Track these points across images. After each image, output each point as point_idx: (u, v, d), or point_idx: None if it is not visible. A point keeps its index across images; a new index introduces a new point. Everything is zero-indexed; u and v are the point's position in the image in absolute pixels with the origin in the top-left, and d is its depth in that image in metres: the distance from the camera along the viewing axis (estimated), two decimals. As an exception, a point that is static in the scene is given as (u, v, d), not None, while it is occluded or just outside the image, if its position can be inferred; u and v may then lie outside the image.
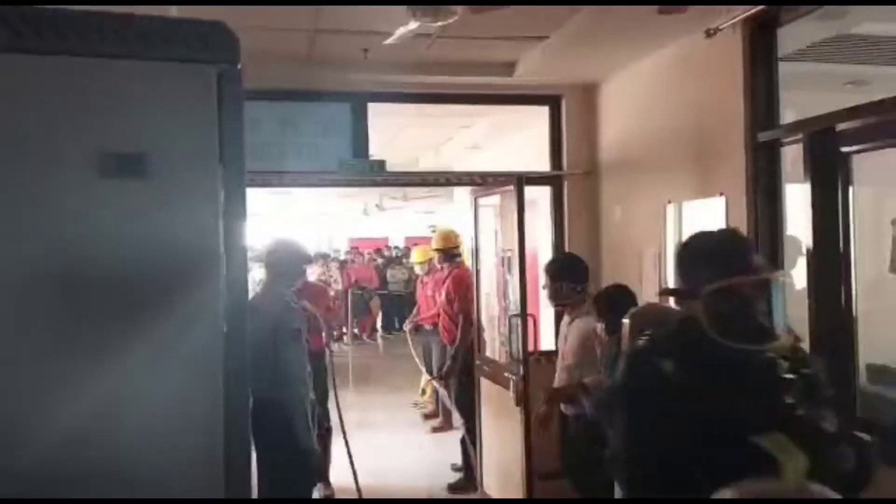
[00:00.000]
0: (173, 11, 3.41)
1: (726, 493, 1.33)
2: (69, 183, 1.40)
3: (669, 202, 4.38)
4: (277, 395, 3.53)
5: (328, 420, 5.49)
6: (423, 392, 8.04)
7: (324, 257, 13.82)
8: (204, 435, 1.45)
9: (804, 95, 3.94)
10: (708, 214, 4.00)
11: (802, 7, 3.42)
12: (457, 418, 6.16)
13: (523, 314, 4.50)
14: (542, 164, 5.55)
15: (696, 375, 1.82)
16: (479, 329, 5.50)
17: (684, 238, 2.05)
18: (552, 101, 5.50)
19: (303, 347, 3.81)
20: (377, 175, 5.06)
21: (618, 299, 3.64)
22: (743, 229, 3.70)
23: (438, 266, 6.55)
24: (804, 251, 3.41)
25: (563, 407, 3.97)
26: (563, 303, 4.11)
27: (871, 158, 3.22)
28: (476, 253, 5.53)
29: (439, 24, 3.34)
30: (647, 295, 4.42)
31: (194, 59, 1.46)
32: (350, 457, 4.34)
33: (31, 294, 1.38)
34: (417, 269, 8.16)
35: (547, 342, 5.21)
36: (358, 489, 4.43)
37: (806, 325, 3.34)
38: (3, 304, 1.36)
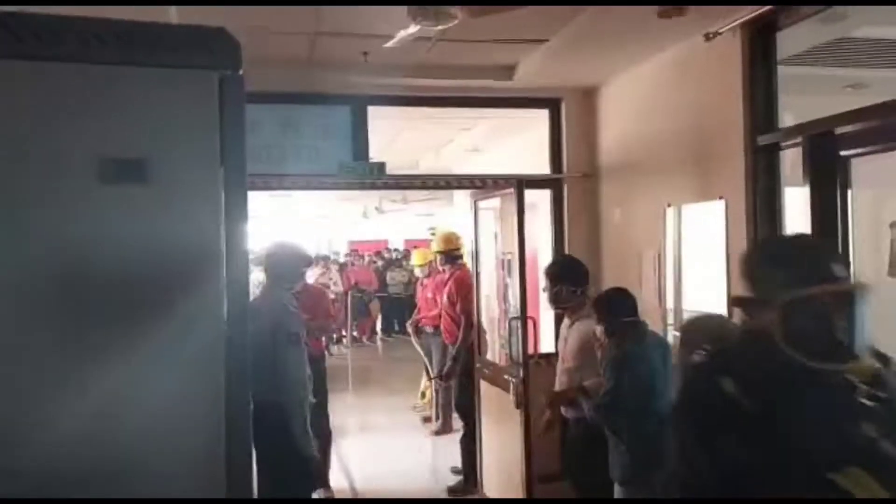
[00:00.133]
0: (172, 12, 3.43)
1: None
2: (72, 188, 1.41)
3: (669, 205, 4.39)
4: (276, 398, 3.51)
5: (328, 424, 5.50)
6: (423, 395, 8.04)
7: (324, 260, 13.83)
8: (205, 435, 1.46)
9: (803, 99, 3.95)
10: (707, 217, 4.01)
11: (802, 11, 3.43)
12: (455, 418, 6.17)
13: (523, 317, 4.50)
14: (542, 167, 5.56)
15: (762, 396, 1.62)
16: (480, 331, 5.50)
17: (758, 242, 1.89)
18: (552, 105, 5.51)
19: (301, 351, 3.79)
20: (377, 178, 5.07)
21: (617, 302, 3.65)
22: (742, 232, 3.72)
23: (440, 268, 6.54)
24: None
25: (563, 410, 3.98)
26: (563, 306, 4.11)
27: (870, 162, 3.23)
28: (476, 256, 5.54)
29: (440, 27, 3.35)
30: (646, 298, 4.43)
31: (196, 66, 1.47)
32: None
33: (33, 297, 1.39)
34: (417, 272, 8.16)
35: (547, 345, 5.21)
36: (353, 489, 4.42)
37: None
38: (6, 307, 1.37)
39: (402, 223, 19.97)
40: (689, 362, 1.94)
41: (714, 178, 3.98)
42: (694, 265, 4.22)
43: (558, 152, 5.50)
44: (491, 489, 5.21)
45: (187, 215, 1.47)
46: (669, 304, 4.40)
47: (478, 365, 5.40)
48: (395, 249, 18.96)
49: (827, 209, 3.26)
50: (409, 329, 7.63)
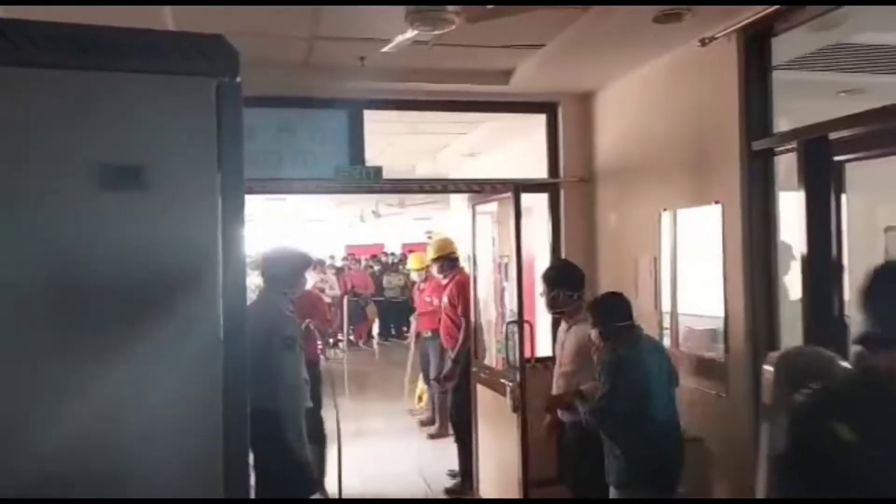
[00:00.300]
0: (168, 14, 3.44)
1: None
2: (70, 193, 1.42)
3: (665, 209, 4.40)
4: (271, 403, 3.48)
5: (324, 428, 5.49)
6: (420, 399, 8.04)
7: (320, 264, 13.82)
8: (203, 438, 1.48)
9: (798, 104, 3.97)
10: (703, 222, 4.02)
11: (797, 17, 3.45)
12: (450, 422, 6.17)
13: (520, 321, 4.51)
14: (539, 171, 5.57)
15: (886, 447, 1.45)
16: (478, 336, 5.51)
17: (877, 271, 1.63)
18: (549, 109, 5.53)
19: (296, 355, 3.75)
20: (374, 182, 5.07)
21: (611, 306, 3.67)
22: (737, 236, 3.74)
23: (441, 276, 6.51)
24: (798, 258, 3.43)
25: (559, 414, 3.99)
26: (560, 310, 4.13)
27: (864, 167, 3.24)
28: (473, 259, 5.55)
29: (437, 32, 3.36)
30: (642, 302, 4.44)
31: (194, 73, 1.48)
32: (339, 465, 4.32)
33: (32, 301, 1.40)
34: (414, 276, 8.16)
35: (544, 349, 5.22)
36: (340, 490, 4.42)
37: (800, 332, 3.37)
38: (6, 311, 1.38)
39: (398, 227, 19.97)
40: (795, 403, 1.66)
41: (709, 183, 3.99)
42: (690, 269, 4.24)
43: (555, 157, 5.52)
44: (488, 493, 5.21)
45: (185, 220, 1.48)
46: (665, 308, 4.41)
47: (474, 369, 5.40)
48: (392, 253, 18.96)
49: (821, 214, 3.28)
50: (412, 335, 7.62)
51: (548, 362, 4.72)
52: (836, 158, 3.24)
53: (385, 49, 3.68)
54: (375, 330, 15.27)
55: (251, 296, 4.05)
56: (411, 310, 8.74)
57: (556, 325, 4.60)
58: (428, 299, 7.15)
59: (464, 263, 6.26)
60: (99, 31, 1.44)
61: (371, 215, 17.02)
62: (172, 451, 1.45)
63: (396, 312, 14.72)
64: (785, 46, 3.69)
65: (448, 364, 6.04)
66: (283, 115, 4.98)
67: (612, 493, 3.54)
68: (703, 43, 3.85)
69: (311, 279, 5.68)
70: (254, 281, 4.72)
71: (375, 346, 14.61)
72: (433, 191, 6.41)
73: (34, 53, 1.39)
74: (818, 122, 3.34)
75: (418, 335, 7.51)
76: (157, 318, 1.44)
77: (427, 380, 7.43)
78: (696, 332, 4.18)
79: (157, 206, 1.46)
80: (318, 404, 5.21)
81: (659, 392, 3.46)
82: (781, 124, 3.71)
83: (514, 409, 4.49)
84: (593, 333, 3.62)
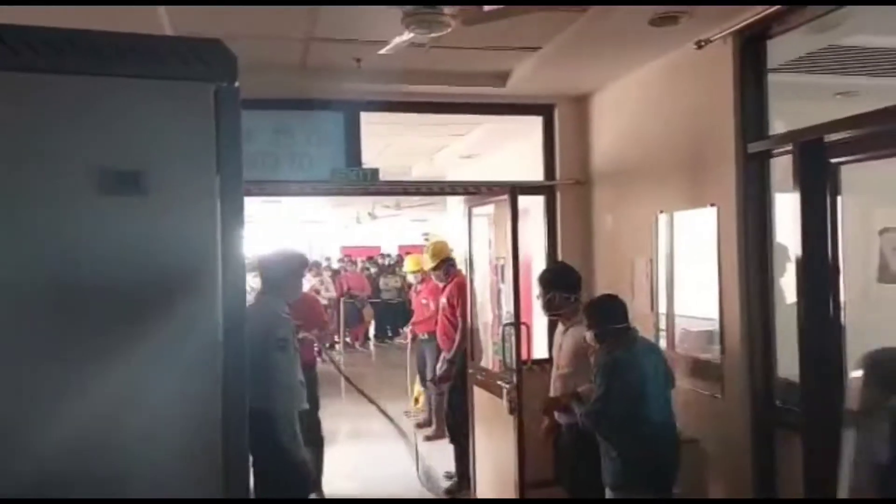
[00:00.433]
0: (164, 14, 3.43)
1: None
2: (70, 198, 1.43)
3: (661, 212, 4.41)
4: (264, 405, 3.46)
5: (321, 430, 5.49)
6: (416, 401, 8.03)
7: (316, 266, 13.81)
8: (202, 439, 1.49)
9: (794, 105, 3.98)
10: (699, 224, 4.03)
11: (793, 20, 3.46)
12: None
13: (517, 323, 4.51)
14: (536, 173, 5.58)
15: None
16: (474, 338, 5.51)
17: None
18: (545, 111, 5.54)
19: (290, 357, 3.73)
20: (370, 184, 5.07)
21: (607, 309, 3.67)
22: (733, 238, 3.75)
23: (439, 283, 6.50)
24: (793, 260, 3.44)
25: (556, 416, 3.99)
26: (557, 312, 4.13)
27: (860, 169, 3.26)
28: (470, 262, 5.55)
29: (433, 35, 3.36)
30: (638, 304, 4.45)
31: (192, 77, 1.49)
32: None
33: (32, 304, 1.41)
34: (410, 278, 8.16)
35: (540, 351, 5.22)
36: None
37: (795, 333, 3.38)
38: (6, 312, 1.39)
39: (395, 229, 19.98)
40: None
41: (705, 185, 4.01)
42: (686, 271, 4.25)
43: (551, 159, 5.53)
44: (484, 494, 5.21)
45: (184, 224, 1.49)
46: (661, 309, 4.42)
47: (471, 371, 5.40)
48: (388, 255, 18.96)
49: (817, 216, 3.29)
50: (408, 336, 7.60)
51: (544, 364, 4.73)
52: (832, 161, 3.25)
53: (382, 51, 3.68)
54: (372, 332, 15.28)
55: (249, 298, 4.04)
56: (408, 311, 8.73)
57: (552, 327, 4.61)
58: (424, 302, 7.15)
59: (460, 266, 6.26)
60: (98, 36, 1.45)
61: (367, 217, 17.03)
62: (172, 452, 1.46)
63: (393, 314, 14.73)
64: (780, 49, 3.70)
65: (443, 365, 6.05)
66: (280, 118, 4.98)
67: (609, 495, 3.54)
68: (699, 45, 3.86)
69: (308, 282, 5.66)
70: (251, 283, 4.70)
71: (372, 347, 14.62)
72: (430, 193, 6.41)
73: (33, 58, 1.40)
74: (814, 125, 3.35)
75: (415, 337, 7.50)
76: (156, 320, 1.44)
77: (424, 382, 7.43)
78: (691, 333, 4.18)
79: (157, 209, 1.47)
80: (314, 406, 5.21)
81: (655, 394, 3.47)
82: (777, 126, 3.72)
83: (511, 411, 4.50)
84: (589, 335, 3.63)
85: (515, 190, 4.66)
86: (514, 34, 4.05)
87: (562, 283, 4.08)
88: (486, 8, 3.26)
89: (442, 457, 6.22)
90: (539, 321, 5.35)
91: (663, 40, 3.96)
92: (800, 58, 3.92)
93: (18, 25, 1.40)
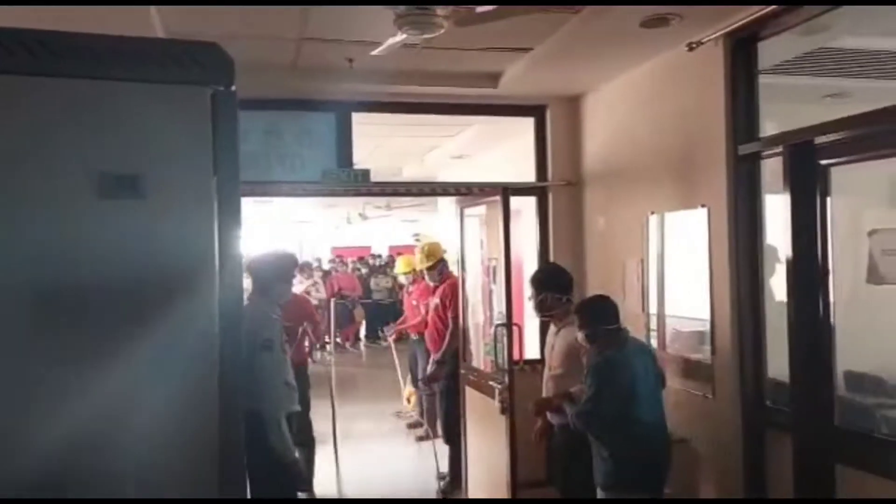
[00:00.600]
0: (154, 14, 3.42)
1: None
2: (67, 201, 1.43)
3: (652, 213, 4.43)
4: (251, 405, 3.44)
5: (312, 431, 5.48)
6: (408, 401, 8.03)
7: (307, 266, 13.78)
8: (199, 439, 1.50)
9: (784, 108, 4.01)
10: (690, 225, 4.05)
11: (783, 22, 3.48)
12: (439, 425, 6.17)
13: (509, 323, 4.52)
14: (527, 174, 5.59)
15: None
16: (465, 338, 5.51)
17: None
18: (537, 112, 5.55)
19: (275, 357, 3.71)
20: (361, 185, 5.07)
21: (598, 309, 3.68)
22: (724, 239, 3.77)
23: (432, 283, 6.50)
24: (783, 261, 3.47)
25: (548, 416, 4.00)
26: (549, 313, 4.14)
27: (849, 171, 3.28)
28: (462, 262, 5.55)
29: (426, 36, 3.36)
30: (630, 305, 4.47)
31: (189, 81, 1.49)
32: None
33: (31, 307, 1.41)
34: (402, 279, 8.15)
35: (532, 351, 5.23)
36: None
37: (785, 333, 3.40)
38: (5, 315, 1.39)
39: (386, 229, 19.95)
40: None
41: (696, 187, 4.02)
42: (677, 272, 4.27)
43: (543, 160, 5.53)
44: (477, 495, 5.21)
45: (181, 226, 1.50)
46: (652, 310, 4.44)
47: (463, 371, 5.41)
48: (379, 256, 18.94)
49: (807, 217, 3.31)
50: (389, 338, 7.59)
51: (536, 364, 4.74)
52: (822, 162, 3.28)
53: (375, 52, 3.68)
54: (363, 332, 15.25)
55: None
56: (399, 312, 8.72)
57: (544, 328, 4.62)
58: (415, 303, 7.15)
59: (452, 266, 6.26)
60: (94, 40, 1.45)
61: (358, 217, 17.01)
62: (169, 452, 1.47)
63: (384, 315, 14.69)
64: (771, 51, 3.72)
65: (433, 365, 6.05)
66: (271, 118, 4.97)
67: (600, 495, 3.55)
68: (690, 47, 3.88)
69: (300, 284, 5.64)
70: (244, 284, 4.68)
71: (363, 347, 14.60)
72: (421, 194, 6.40)
73: (29, 61, 1.40)
74: (804, 127, 3.37)
75: (399, 338, 7.49)
76: (154, 321, 1.45)
77: (415, 382, 7.43)
78: (682, 334, 4.20)
79: (155, 212, 1.47)
80: (306, 407, 5.19)
81: (645, 394, 3.48)
82: (767, 128, 3.74)
83: (503, 412, 4.51)
84: (580, 336, 3.64)
85: (507, 191, 4.67)
86: (506, 35, 4.06)
87: (554, 284, 4.09)
88: (479, 9, 3.26)
89: (433, 457, 6.22)
90: (531, 322, 5.36)
91: (655, 42, 3.98)
92: (790, 60, 3.94)
93: (14, 28, 1.40)
